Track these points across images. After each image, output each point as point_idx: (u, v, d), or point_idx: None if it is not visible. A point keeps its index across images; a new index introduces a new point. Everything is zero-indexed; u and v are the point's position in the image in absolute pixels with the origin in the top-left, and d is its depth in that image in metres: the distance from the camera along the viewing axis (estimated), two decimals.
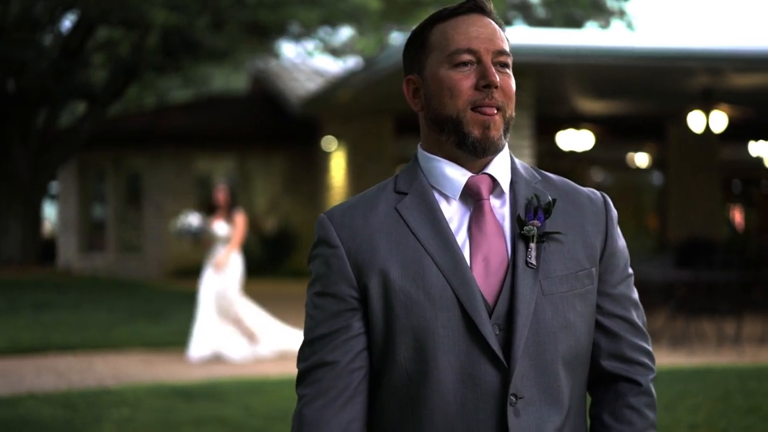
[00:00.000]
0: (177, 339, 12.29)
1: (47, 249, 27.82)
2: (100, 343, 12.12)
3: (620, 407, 2.10)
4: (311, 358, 2.04)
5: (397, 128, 20.59)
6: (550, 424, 1.98)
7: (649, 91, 16.07)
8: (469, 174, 2.04)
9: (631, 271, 2.17)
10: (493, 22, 2.05)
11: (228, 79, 35.90)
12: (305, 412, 2.02)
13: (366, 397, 2.05)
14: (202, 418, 7.82)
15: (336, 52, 20.20)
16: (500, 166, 2.07)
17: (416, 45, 2.09)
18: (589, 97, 16.81)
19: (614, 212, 2.13)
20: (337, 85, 17.25)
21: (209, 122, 24.15)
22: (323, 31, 18.60)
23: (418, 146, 2.14)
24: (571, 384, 2.03)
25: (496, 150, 2.03)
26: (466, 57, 2.00)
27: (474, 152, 2.01)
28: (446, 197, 2.04)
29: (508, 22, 27.31)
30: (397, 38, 12.67)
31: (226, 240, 11.26)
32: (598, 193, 2.15)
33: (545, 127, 19.12)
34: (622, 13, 27.07)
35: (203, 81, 29.72)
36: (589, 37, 13.49)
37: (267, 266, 22.71)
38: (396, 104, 18.08)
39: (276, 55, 19.32)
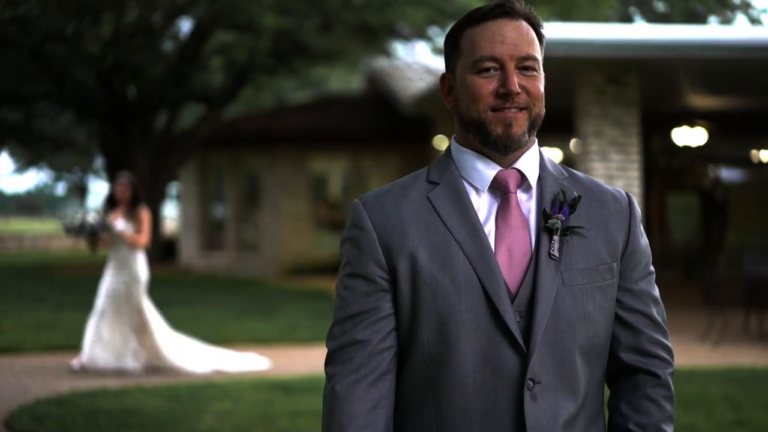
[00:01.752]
0: (285, 335, 12.57)
1: (168, 248, 28.59)
2: (211, 339, 12.40)
3: (638, 398, 2.16)
4: (342, 337, 2.12)
5: None
6: (565, 410, 2.05)
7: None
8: (498, 168, 2.13)
9: (652, 268, 2.23)
10: (523, 25, 2.12)
11: (345, 80, 36.31)
12: (338, 389, 2.09)
13: (394, 376, 2.14)
14: (299, 411, 8.00)
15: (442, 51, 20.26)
16: (529, 162, 2.15)
17: (450, 46, 2.20)
18: (703, 92, 16.50)
19: (638, 211, 2.21)
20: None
21: (324, 122, 24.45)
22: (431, 31, 18.68)
23: (452, 139, 2.24)
24: (588, 374, 2.10)
25: (519, 146, 2.11)
26: (489, 64, 2.08)
27: (497, 149, 2.10)
28: (476, 189, 2.13)
29: (627, 19, 26.93)
30: None
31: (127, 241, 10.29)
32: (623, 192, 2.22)
33: (658, 124, 18.87)
34: (747, 6, 26.31)
35: (319, 82, 30.08)
36: (697, 31, 13.25)
37: None
38: None
39: (389, 55, 19.45)
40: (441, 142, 22.25)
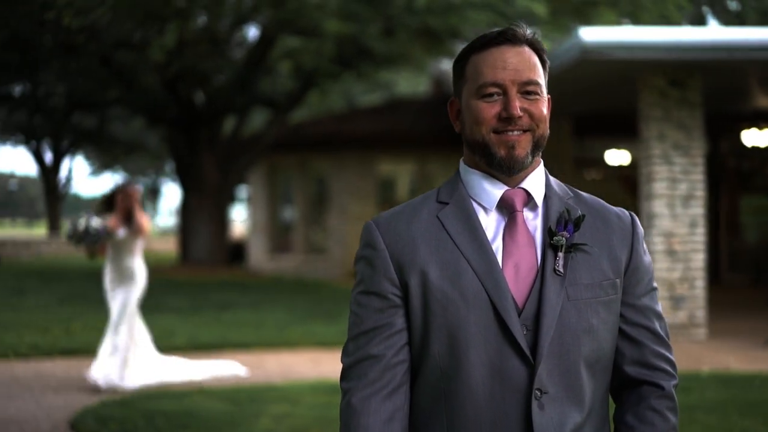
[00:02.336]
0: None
1: (237, 250, 28.92)
2: (273, 342, 12.58)
3: (643, 409, 2.23)
4: (356, 352, 2.21)
5: (576, 129, 20.45)
6: (571, 420, 2.12)
7: None
8: (504, 188, 2.21)
9: (655, 285, 2.31)
10: (525, 51, 2.20)
11: (414, 82, 36.38)
12: (353, 402, 2.17)
13: (408, 389, 2.22)
14: None
15: None
16: (535, 182, 2.24)
17: (456, 72, 2.29)
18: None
19: (641, 230, 2.29)
20: None
21: (391, 126, 24.54)
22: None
23: (461, 160, 2.33)
24: (593, 385, 2.18)
25: (522, 167, 2.19)
26: (492, 89, 2.17)
27: (501, 170, 2.19)
28: (484, 208, 2.22)
29: (700, 19, 26.56)
30: (567, 39, 12.62)
31: (130, 245, 10.02)
32: (626, 211, 2.31)
33: (725, 126, 18.63)
34: None
35: (387, 85, 30.19)
36: (759, 32, 13.03)
37: None
38: (573, 105, 17.97)
39: (454, 57, 19.47)
40: None
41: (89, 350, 11.83)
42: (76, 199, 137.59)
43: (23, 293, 19.19)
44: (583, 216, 2.20)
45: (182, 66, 17.65)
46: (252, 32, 23.58)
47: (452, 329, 2.12)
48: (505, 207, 2.21)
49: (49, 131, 36.63)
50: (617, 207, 2.32)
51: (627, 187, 21.20)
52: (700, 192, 12.76)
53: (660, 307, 2.30)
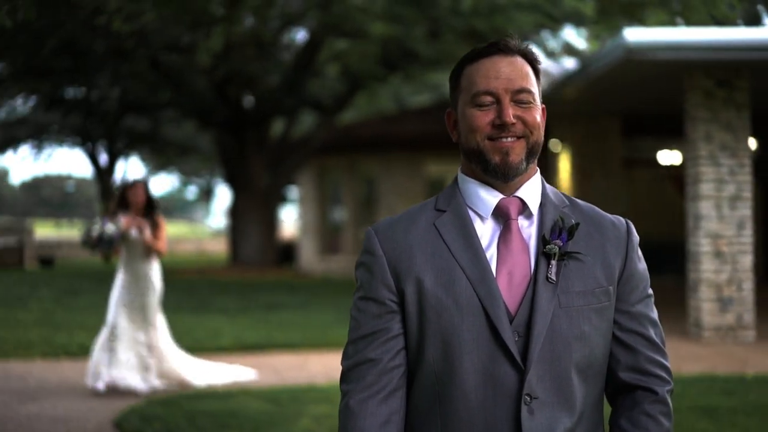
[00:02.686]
0: None
1: (287, 251, 29.10)
2: (318, 343, 12.66)
3: (637, 414, 2.27)
4: (355, 356, 2.28)
5: (625, 129, 20.32)
6: (561, 425, 2.17)
7: None
8: (500, 196, 2.26)
9: (650, 292, 2.35)
10: (517, 60, 2.26)
11: None
12: (351, 404, 2.24)
13: (405, 392, 2.29)
14: None
15: (556, 54, 20.18)
16: (530, 190, 2.29)
17: (452, 84, 2.36)
18: None
19: (635, 238, 2.33)
20: (557, 87, 17.23)
21: (439, 127, 24.52)
22: (543, 36, 18.64)
23: (459, 169, 2.38)
24: (585, 391, 2.22)
25: (517, 173, 2.24)
26: (486, 98, 2.23)
27: (497, 176, 2.24)
28: (480, 216, 2.27)
29: (755, 19, 26.23)
30: (617, 38, 12.55)
31: (145, 246, 9.72)
32: (622, 219, 2.35)
33: None
34: None
35: (436, 86, 30.21)
36: None
37: None
38: (623, 104, 17.87)
39: None
40: (555, 146, 22.14)
41: None
42: None
43: (76, 294, 19.50)
44: (577, 224, 2.24)
45: (229, 69, 17.80)
46: (300, 35, 23.73)
47: (446, 335, 2.18)
48: (501, 215, 2.26)
49: (103, 133, 37.09)
50: (613, 215, 2.36)
51: (678, 187, 21.04)
52: (747, 193, 12.64)
53: (655, 313, 2.34)
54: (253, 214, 24.37)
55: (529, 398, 2.14)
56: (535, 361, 2.14)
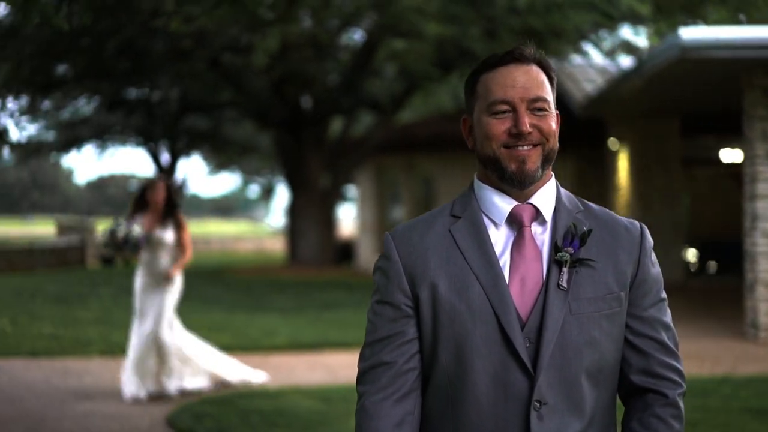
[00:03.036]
0: None
1: (345, 250, 29.23)
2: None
3: (647, 416, 2.30)
4: (371, 359, 2.33)
5: (684, 128, 20.13)
6: (571, 429, 2.21)
7: None
8: (514, 203, 2.30)
9: (664, 295, 2.36)
10: (533, 69, 2.30)
11: None
12: (366, 406, 2.30)
13: (419, 394, 2.33)
14: None
15: (613, 52, 20.02)
16: (544, 197, 2.32)
17: (468, 91, 2.39)
18: None
19: (649, 242, 2.35)
20: (615, 86, 17.12)
21: None
22: (600, 34, 18.50)
23: (475, 176, 2.42)
24: (596, 395, 2.26)
25: (533, 181, 2.27)
26: (502, 107, 2.26)
27: (512, 184, 2.27)
28: (494, 222, 2.30)
29: None
30: (672, 36, 12.44)
31: (170, 247, 9.39)
32: (636, 223, 2.37)
33: None
34: None
35: None
36: None
37: None
38: (681, 102, 17.69)
39: (559, 57, 19.34)
40: (614, 145, 21.99)
41: None
42: (196, 198, 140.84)
43: None
44: (590, 231, 2.27)
45: (285, 70, 17.94)
46: (357, 35, 23.83)
47: (459, 340, 2.22)
48: (515, 222, 2.29)
49: (164, 133, 37.54)
50: (628, 219, 2.38)
51: (740, 186, 20.81)
52: None
53: (668, 317, 2.35)
54: (311, 213, 24.54)
55: (538, 404, 2.18)
56: (545, 368, 2.18)
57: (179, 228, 9.38)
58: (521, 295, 2.22)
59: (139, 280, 9.45)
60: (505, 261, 2.25)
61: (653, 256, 2.35)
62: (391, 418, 2.28)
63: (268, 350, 12.17)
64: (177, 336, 9.46)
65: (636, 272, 2.29)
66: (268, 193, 69.46)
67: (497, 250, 2.26)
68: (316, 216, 24.49)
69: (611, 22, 16.60)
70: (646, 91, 16.16)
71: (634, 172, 20.79)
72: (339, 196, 26.70)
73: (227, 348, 12.24)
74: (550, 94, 2.30)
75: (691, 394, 8.94)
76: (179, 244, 9.37)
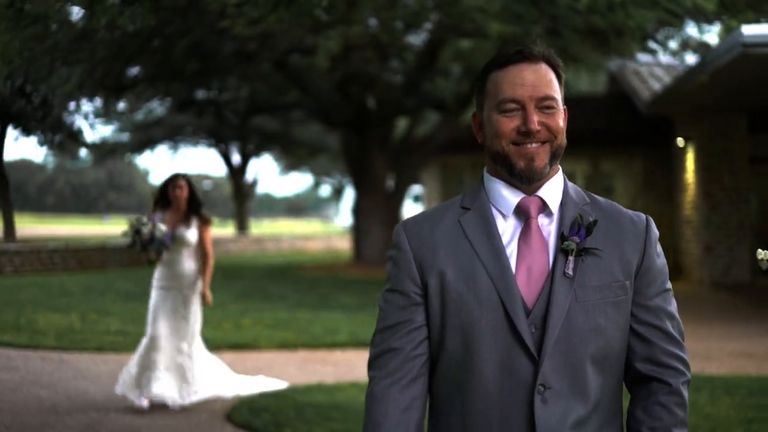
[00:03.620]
0: None
1: None
2: None
3: (651, 404, 2.36)
4: (380, 345, 2.41)
5: (751, 126, 19.90)
6: (574, 414, 2.27)
7: None
8: (522, 195, 2.37)
9: (668, 286, 2.42)
10: (542, 68, 2.36)
11: (594, 80, 35.90)
12: (375, 391, 2.38)
13: (427, 380, 2.42)
14: None
15: (682, 50, 19.80)
16: (551, 190, 2.39)
17: (478, 88, 2.46)
18: None
19: (654, 233, 2.41)
20: (680, 83, 17.02)
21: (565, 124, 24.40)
22: (664, 32, 18.32)
23: (485, 169, 2.50)
24: (601, 381, 2.32)
25: (541, 177, 2.35)
26: (511, 105, 2.33)
27: (521, 180, 2.34)
28: (503, 214, 2.38)
29: None
30: (736, 33, 12.36)
31: (193, 247, 8.96)
32: (642, 215, 2.43)
33: None
34: None
35: (564, 84, 29.88)
36: None
37: None
38: (747, 100, 17.50)
39: (623, 55, 19.20)
40: (681, 143, 21.79)
41: (255, 345, 12.36)
42: (268, 198, 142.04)
43: None
44: (596, 221, 2.33)
45: (348, 70, 18.09)
46: (421, 36, 23.90)
47: (466, 327, 2.29)
48: (522, 213, 2.35)
49: (235, 134, 38.01)
50: (634, 211, 2.43)
51: None
52: None
53: (674, 307, 2.41)
54: (375, 212, 24.68)
55: (542, 388, 2.24)
56: (549, 353, 2.24)
57: (203, 227, 8.97)
58: (528, 284, 2.28)
59: (158, 284, 8.92)
60: (512, 251, 2.31)
61: (658, 248, 2.40)
62: (399, 403, 2.35)
63: (330, 347, 12.33)
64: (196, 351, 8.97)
65: (641, 262, 2.35)
66: (338, 192, 69.91)
67: (505, 240, 2.33)
68: (381, 215, 24.62)
69: (675, 19, 16.43)
70: (710, 88, 16.05)
71: (700, 171, 20.60)
72: (404, 196, 26.79)
73: (292, 345, 12.43)
74: (558, 92, 2.36)
75: (750, 393, 8.92)
76: (201, 244, 8.96)
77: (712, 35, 20.47)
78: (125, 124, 42.54)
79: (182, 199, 8.89)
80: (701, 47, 17.86)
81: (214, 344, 12.35)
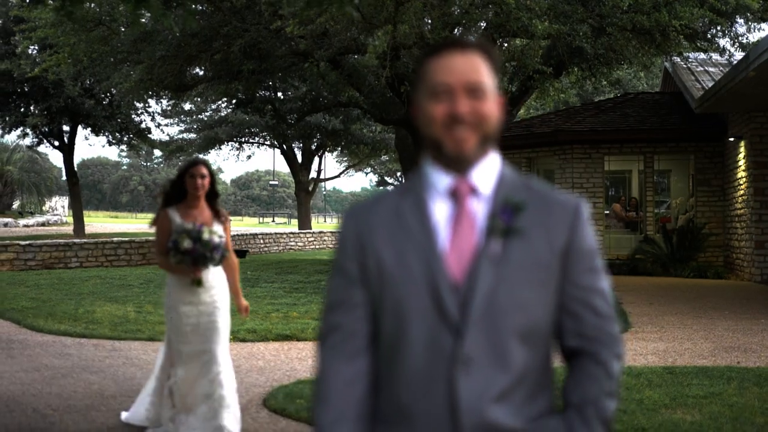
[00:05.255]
0: None
1: None
2: None
3: (581, 376, 2.47)
4: (325, 322, 2.56)
5: None
6: (497, 386, 2.36)
7: None
8: (454, 178, 2.47)
9: (598, 264, 2.54)
10: (472, 55, 2.45)
11: (649, 78, 35.84)
12: (321, 366, 2.52)
13: (369, 355, 2.51)
14: None
15: (726, 48, 19.80)
16: (483, 173, 2.52)
17: (417, 76, 2.61)
18: None
19: (584, 215, 2.51)
20: (728, 80, 17.02)
21: (618, 122, 24.43)
22: (714, 29, 18.34)
23: (424, 153, 2.66)
24: (526, 355, 2.40)
25: (470, 160, 2.44)
26: (441, 90, 2.43)
27: (449, 164, 2.46)
28: (436, 196, 2.53)
29: None
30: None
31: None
32: (573, 198, 2.54)
33: None
34: None
35: (619, 82, 29.86)
36: None
37: (672, 263, 22.59)
38: None
39: (673, 53, 19.21)
40: (733, 140, 21.73)
41: (301, 336, 12.66)
42: (336, 192, 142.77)
43: (256, 282, 20.49)
44: (523, 202, 2.42)
45: (397, 69, 18.37)
46: (470, 35, 24.08)
47: (398, 306, 2.41)
48: (454, 195, 2.45)
49: (296, 133, 38.46)
50: (567, 195, 2.52)
51: None
52: None
53: (603, 284, 2.50)
54: None
55: (465, 361, 2.34)
56: (472, 328, 2.34)
57: (226, 226, 7.30)
58: (457, 263, 2.39)
59: (176, 294, 7.19)
60: (444, 232, 2.42)
61: (588, 228, 2.49)
62: (343, 376, 2.47)
63: None
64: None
65: (570, 241, 2.44)
66: None
67: (438, 222, 2.43)
68: None
69: (721, 18, 16.47)
70: (757, 84, 16.05)
71: (751, 168, 20.56)
72: None
73: None
74: (489, 79, 2.45)
75: None
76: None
77: (762, 33, 20.34)
78: (192, 123, 43.39)
79: (204, 188, 7.13)
80: (749, 44, 17.83)
81: (260, 335, 12.74)
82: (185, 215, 7.13)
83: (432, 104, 2.44)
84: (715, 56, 23.31)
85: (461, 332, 2.35)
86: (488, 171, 2.49)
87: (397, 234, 2.46)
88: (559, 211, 2.46)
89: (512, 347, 2.37)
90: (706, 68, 24.58)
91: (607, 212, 25.04)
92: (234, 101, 31.33)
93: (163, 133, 68.92)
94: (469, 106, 2.41)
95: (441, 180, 2.48)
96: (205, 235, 6.94)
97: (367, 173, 64.72)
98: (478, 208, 2.46)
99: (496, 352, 2.35)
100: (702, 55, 23.67)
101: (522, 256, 2.40)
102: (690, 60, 23.98)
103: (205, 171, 7.15)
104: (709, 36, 18.55)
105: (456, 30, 18.53)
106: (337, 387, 2.48)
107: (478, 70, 2.44)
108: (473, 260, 2.39)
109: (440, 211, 2.46)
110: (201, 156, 8.48)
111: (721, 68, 22.71)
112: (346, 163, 56.75)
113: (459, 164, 2.44)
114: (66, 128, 39.22)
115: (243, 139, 44.97)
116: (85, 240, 26.31)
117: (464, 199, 2.46)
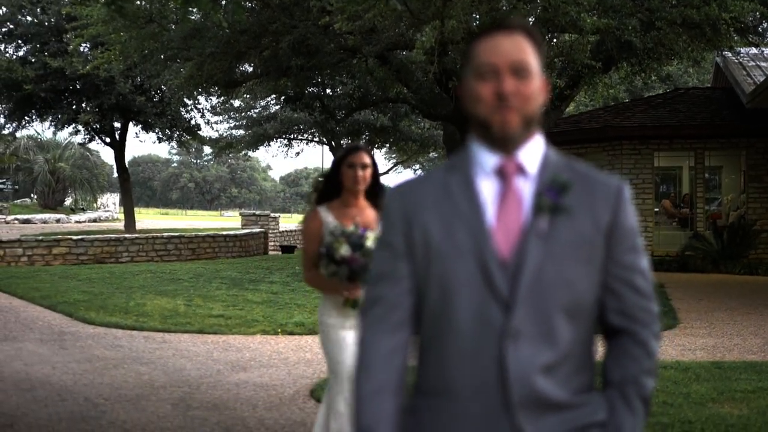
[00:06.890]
0: None
1: None
2: None
3: (621, 354, 2.55)
4: (369, 293, 2.63)
5: None
6: (543, 358, 2.45)
7: None
8: (502, 157, 2.58)
9: (639, 244, 2.60)
10: (518, 36, 2.56)
11: (701, 74, 35.53)
12: (363, 336, 2.58)
13: (410, 327, 2.59)
14: None
15: None
16: (529, 153, 2.58)
17: (464, 58, 2.69)
18: None
19: (626, 196, 2.57)
20: None
21: (668, 117, 24.28)
22: (763, 24, 18.18)
23: (471, 132, 2.71)
24: (572, 331, 2.47)
25: (515, 141, 2.53)
26: (487, 69, 2.50)
27: (494, 144, 2.56)
28: (484, 174, 2.59)
29: None
30: None
31: None
32: (616, 180, 2.60)
33: None
34: None
35: (671, 77, 29.67)
36: None
37: (723, 260, 22.38)
38: None
39: (725, 48, 19.04)
40: None
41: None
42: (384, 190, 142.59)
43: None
44: (570, 182, 2.48)
45: (445, 65, 18.39)
46: None
47: (444, 278, 2.51)
48: (501, 174, 2.52)
49: (342, 129, 38.58)
50: (609, 175, 2.58)
51: None
52: None
53: (644, 264, 2.56)
54: None
55: (514, 334, 2.44)
56: (521, 302, 2.41)
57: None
58: (505, 239, 2.46)
59: (333, 310, 5.63)
60: (491, 209, 2.49)
61: (630, 208, 2.55)
62: (384, 347, 2.54)
63: None
64: None
65: (613, 221, 2.50)
66: None
67: (485, 198, 2.50)
68: None
69: None
70: None
71: None
72: None
73: None
74: (534, 60, 2.51)
75: None
76: None
77: None
78: (240, 119, 43.68)
79: (365, 184, 5.79)
80: None
81: (307, 328, 12.84)
82: (341, 215, 5.73)
83: (478, 84, 2.50)
84: (767, 51, 23.07)
85: (510, 307, 2.42)
86: (534, 151, 2.55)
87: (445, 209, 2.53)
88: (602, 191, 2.52)
89: (559, 323, 2.44)
90: (758, 63, 24.35)
91: (657, 209, 24.87)
92: (283, 98, 31.51)
93: (213, 129, 69.26)
94: (514, 86, 2.47)
95: (488, 159, 2.55)
96: (369, 242, 5.52)
97: (415, 170, 64.54)
98: (525, 187, 2.52)
99: (543, 327, 2.42)
100: (754, 50, 23.44)
101: (568, 233, 2.46)
102: (741, 55, 23.75)
103: (367, 159, 5.75)
104: (760, 30, 18.38)
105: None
106: (379, 358, 2.55)
107: (524, 50, 2.50)
108: (521, 237, 2.46)
109: (487, 188, 2.53)
110: (360, 143, 7.43)
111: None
112: (394, 160, 56.78)
113: (505, 144, 2.51)
114: (117, 125, 39.63)
115: (291, 136, 45.17)
116: (135, 235, 26.58)
117: (511, 178, 2.52)
